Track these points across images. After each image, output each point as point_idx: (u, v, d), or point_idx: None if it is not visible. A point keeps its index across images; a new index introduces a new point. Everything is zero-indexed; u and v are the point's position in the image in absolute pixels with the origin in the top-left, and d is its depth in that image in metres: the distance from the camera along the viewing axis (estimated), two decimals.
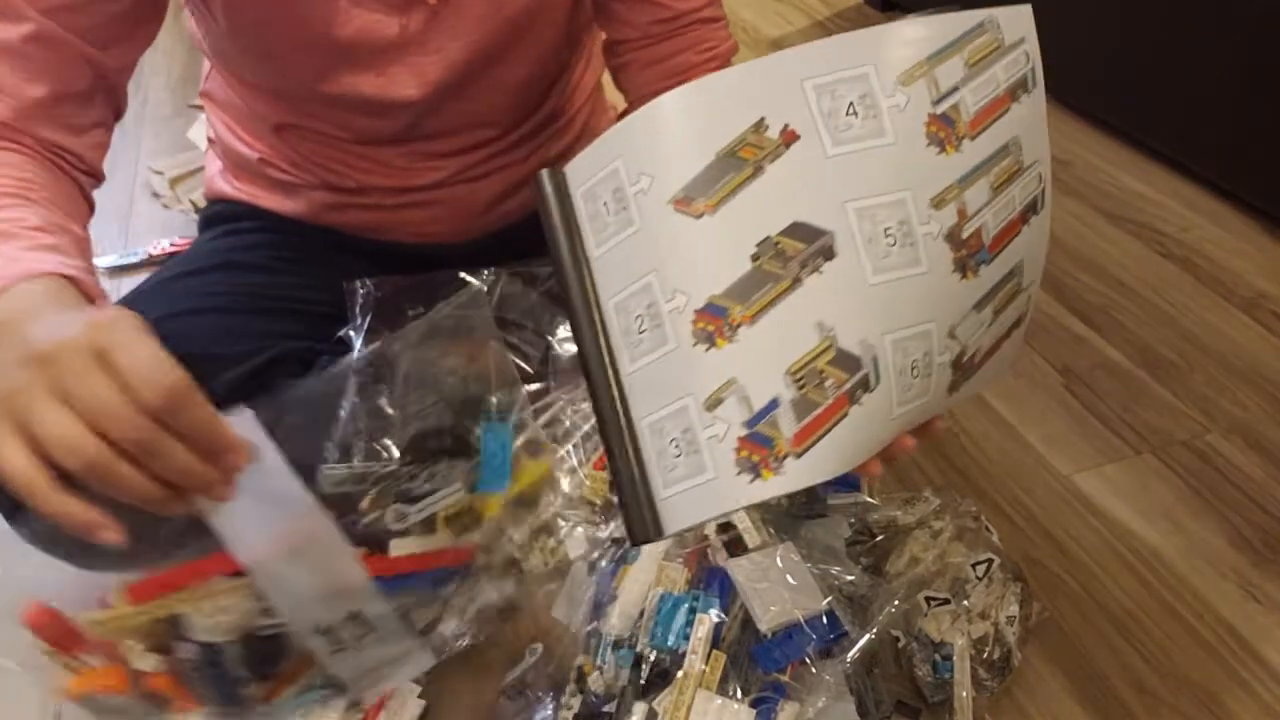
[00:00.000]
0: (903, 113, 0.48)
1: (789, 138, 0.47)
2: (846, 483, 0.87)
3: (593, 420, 0.54)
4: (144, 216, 1.48)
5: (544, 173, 0.50)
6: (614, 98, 0.96)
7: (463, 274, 0.89)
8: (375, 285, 0.82)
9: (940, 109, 0.48)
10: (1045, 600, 0.85)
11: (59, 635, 0.59)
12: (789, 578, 0.75)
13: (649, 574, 0.77)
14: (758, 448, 0.46)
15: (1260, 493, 0.97)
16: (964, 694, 0.74)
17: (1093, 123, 1.61)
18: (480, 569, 0.72)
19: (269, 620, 0.59)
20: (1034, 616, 0.82)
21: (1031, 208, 0.53)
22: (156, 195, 1.52)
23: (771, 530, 0.81)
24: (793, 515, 0.84)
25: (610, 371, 0.49)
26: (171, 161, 1.58)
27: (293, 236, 0.90)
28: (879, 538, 0.84)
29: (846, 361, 0.47)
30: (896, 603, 0.77)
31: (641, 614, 0.75)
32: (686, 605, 0.74)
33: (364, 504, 0.66)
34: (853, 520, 0.84)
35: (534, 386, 0.92)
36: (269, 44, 0.75)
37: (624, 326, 0.48)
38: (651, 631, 0.73)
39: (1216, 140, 1.42)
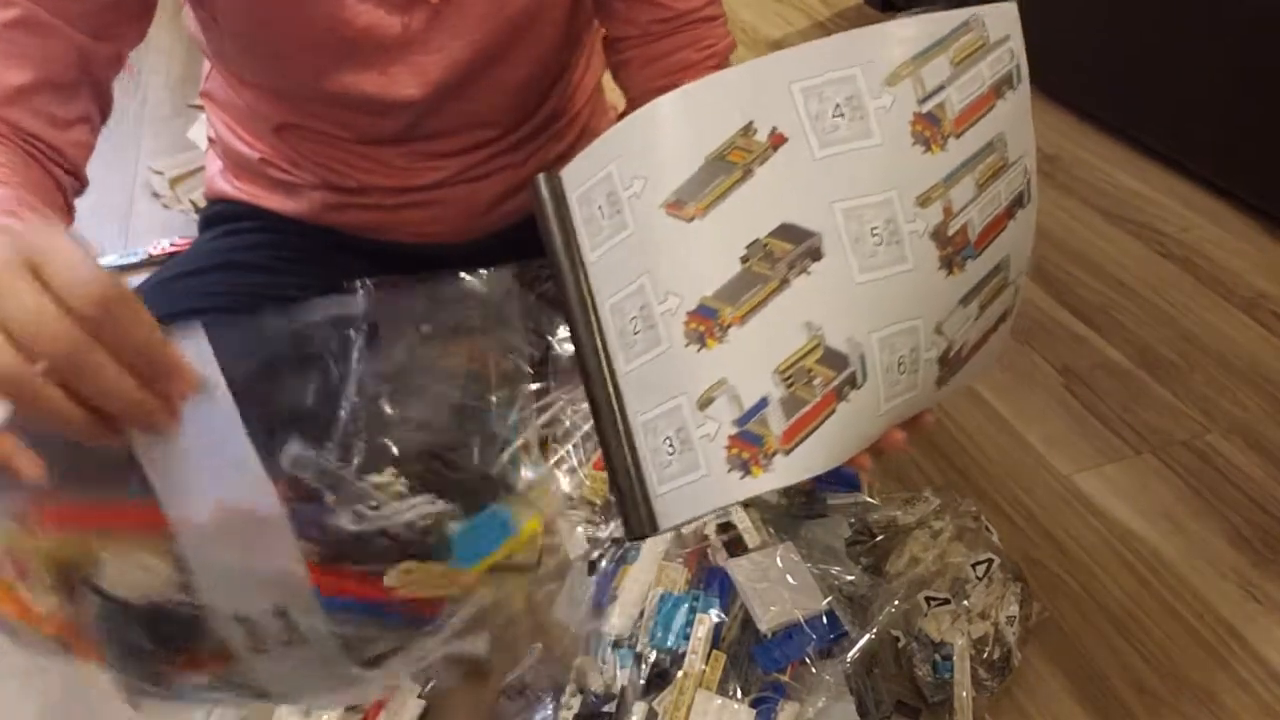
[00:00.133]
0: (889, 113, 0.48)
1: (777, 140, 0.48)
2: (846, 483, 0.87)
3: (592, 420, 0.55)
4: (144, 216, 1.48)
5: (540, 177, 0.51)
6: (614, 98, 0.96)
7: (463, 274, 0.89)
8: (375, 285, 0.82)
9: (926, 108, 0.49)
10: (1045, 600, 0.85)
11: None
12: (789, 578, 0.75)
13: (649, 574, 0.77)
14: (748, 445, 0.47)
15: (1260, 493, 0.97)
16: (964, 694, 0.74)
17: (1089, 121, 1.61)
18: (448, 624, 0.63)
19: (185, 597, 0.52)
20: (1034, 616, 0.82)
21: (1017, 202, 0.54)
22: (156, 195, 1.52)
23: (771, 530, 0.81)
24: (793, 515, 0.84)
25: (606, 372, 0.50)
26: (171, 161, 1.58)
27: (293, 236, 0.90)
28: (879, 538, 0.84)
29: (834, 359, 0.48)
30: (896, 603, 0.77)
31: (641, 614, 0.75)
32: (686, 605, 0.74)
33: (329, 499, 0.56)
34: (853, 520, 0.84)
35: (534, 386, 0.92)
36: (270, 43, 0.75)
37: (619, 328, 0.49)
38: (651, 631, 0.73)
39: (1212, 138, 1.42)
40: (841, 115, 0.48)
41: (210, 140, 0.96)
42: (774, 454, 0.47)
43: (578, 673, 0.73)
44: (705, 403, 0.47)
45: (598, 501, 0.86)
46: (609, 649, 0.73)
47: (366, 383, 0.61)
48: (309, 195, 0.89)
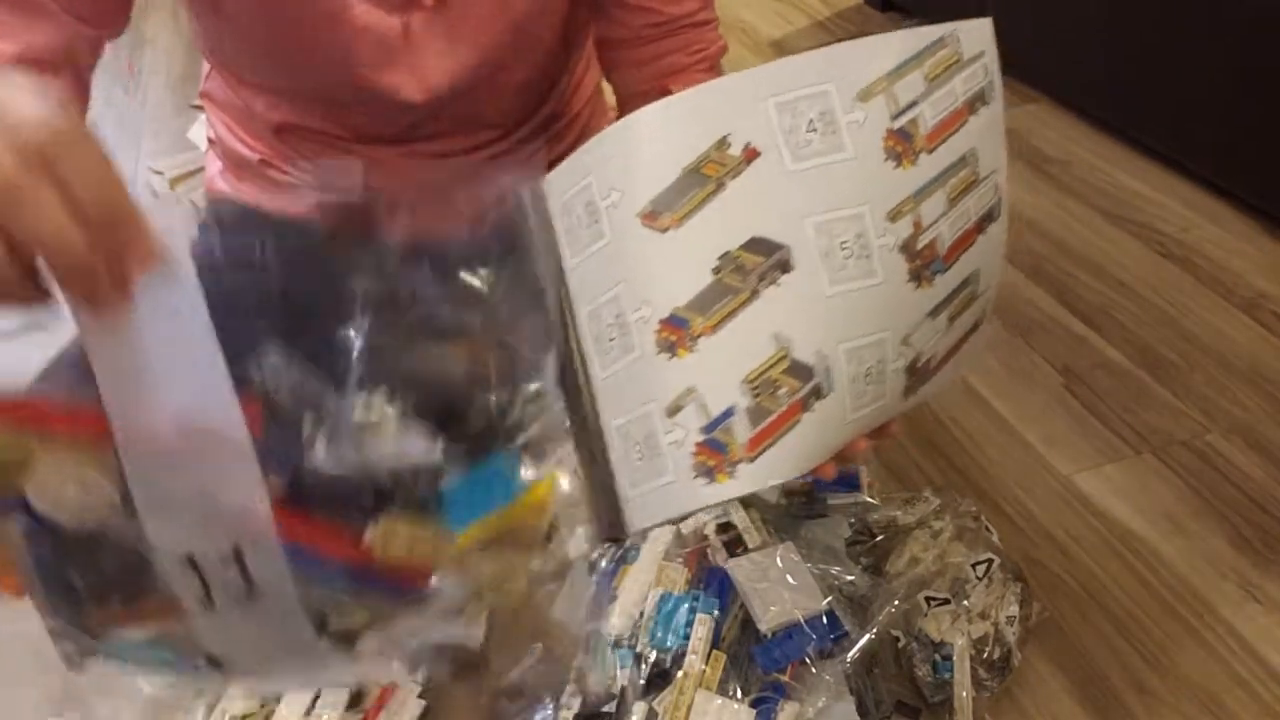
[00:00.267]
0: (861, 128, 0.50)
1: (750, 155, 0.49)
2: (846, 483, 0.87)
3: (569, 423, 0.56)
4: None
5: (523, 184, 0.52)
6: (614, 100, 0.96)
7: (462, 274, 0.89)
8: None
9: (899, 124, 0.50)
10: (1045, 600, 0.85)
11: None
12: (789, 578, 0.75)
13: (649, 574, 0.77)
14: (713, 453, 0.49)
15: (1260, 493, 0.97)
16: (964, 694, 0.74)
17: (1089, 121, 1.61)
18: (435, 601, 0.54)
19: (125, 527, 0.43)
20: (1034, 616, 0.82)
21: (987, 217, 0.55)
22: (156, 195, 1.52)
23: (771, 530, 0.81)
24: (793, 515, 0.84)
25: (584, 377, 0.51)
26: (171, 161, 1.58)
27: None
28: (879, 538, 0.84)
29: (800, 370, 0.49)
30: (896, 603, 0.77)
31: (641, 614, 0.75)
32: (686, 605, 0.74)
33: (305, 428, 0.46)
34: (853, 520, 0.84)
35: (533, 386, 0.92)
36: (269, 42, 0.75)
37: (595, 334, 0.51)
38: (651, 631, 0.73)
39: (1212, 138, 1.42)
40: (815, 130, 0.49)
41: (210, 141, 0.96)
42: (738, 462, 0.48)
43: (578, 673, 0.73)
44: (674, 410, 0.48)
45: None
46: (609, 649, 0.73)
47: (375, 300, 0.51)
48: (308, 196, 0.89)
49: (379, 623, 0.48)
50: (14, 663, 0.56)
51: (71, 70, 0.68)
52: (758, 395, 0.48)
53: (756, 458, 0.48)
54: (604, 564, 0.80)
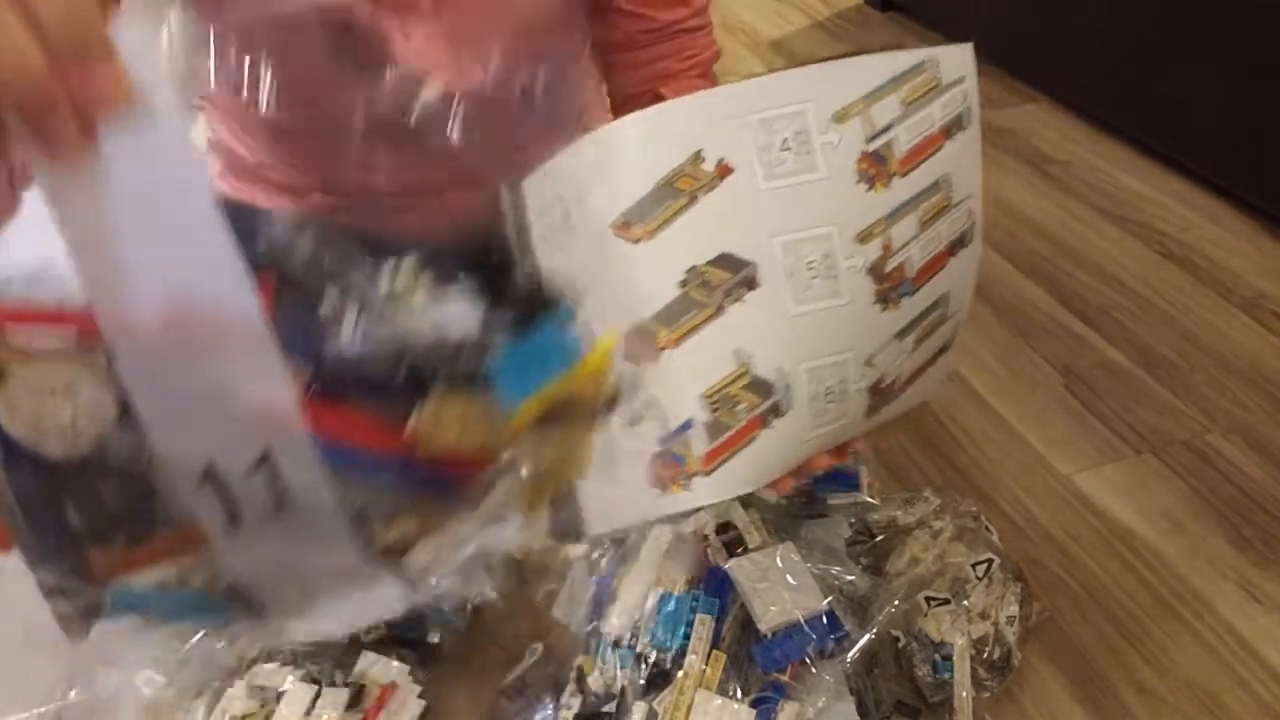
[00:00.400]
0: (835, 149, 0.50)
1: (723, 171, 0.49)
2: (846, 483, 0.87)
3: None
4: None
5: (504, 189, 0.52)
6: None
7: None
8: None
9: (873, 146, 0.51)
10: (1045, 600, 0.85)
11: None
12: (789, 578, 0.75)
13: (649, 574, 0.77)
14: (670, 464, 0.49)
15: (1260, 493, 0.97)
16: (964, 694, 0.74)
17: (1090, 121, 1.61)
18: (489, 495, 0.45)
19: (126, 445, 0.35)
20: (1034, 616, 0.82)
21: (960, 241, 0.56)
22: None
23: (771, 530, 0.81)
24: (793, 515, 0.84)
25: None
26: None
27: None
28: (879, 538, 0.84)
29: (760, 387, 0.49)
30: (896, 603, 0.77)
31: (641, 614, 0.75)
32: (687, 605, 0.74)
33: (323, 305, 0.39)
34: (853, 520, 0.84)
35: None
36: (269, 40, 0.75)
37: None
38: (651, 631, 0.73)
39: (1212, 138, 1.42)
40: (789, 149, 0.49)
41: (209, 142, 0.96)
42: (694, 475, 0.49)
43: (578, 673, 0.73)
44: (634, 420, 0.49)
45: None
46: (609, 649, 0.73)
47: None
48: (308, 197, 0.89)
49: (430, 529, 0.42)
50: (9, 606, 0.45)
51: None
52: (716, 410, 0.49)
53: (712, 471, 0.49)
54: (604, 564, 0.80)
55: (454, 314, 0.38)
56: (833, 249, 0.50)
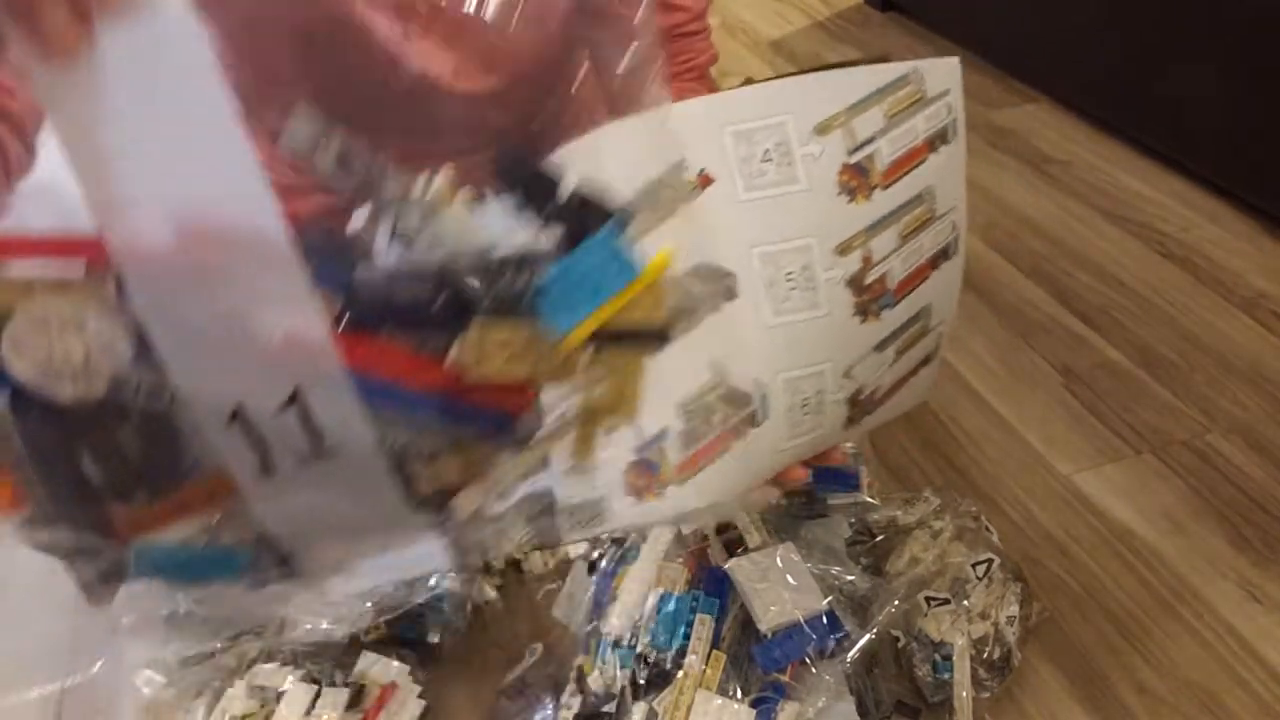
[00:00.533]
0: (817, 161, 0.50)
1: (704, 181, 0.50)
2: (846, 483, 0.87)
3: None
4: None
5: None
6: None
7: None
8: None
9: (855, 158, 0.51)
10: (1045, 600, 0.85)
11: None
12: (789, 578, 0.75)
13: (649, 574, 0.77)
14: (644, 473, 0.49)
15: (1260, 493, 0.97)
16: (964, 694, 0.74)
17: (1090, 121, 1.61)
18: (538, 431, 0.40)
19: (145, 385, 0.31)
20: (1034, 616, 0.82)
21: (943, 254, 0.56)
22: None
23: (771, 530, 0.81)
24: (793, 515, 0.84)
25: None
26: None
27: None
28: (879, 538, 0.84)
29: (736, 397, 0.50)
30: (896, 603, 0.77)
31: (641, 614, 0.75)
32: (687, 605, 0.74)
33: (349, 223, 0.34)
34: (853, 520, 0.84)
35: None
36: (270, 39, 0.75)
37: None
38: (651, 631, 0.73)
39: (1212, 138, 1.42)
40: (770, 160, 0.49)
41: None
42: (668, 483, 0.49)
43: (578, 673, 0.73)
44: (610, 429, 0.49)
45: None
46: (609, 649, 0.73)
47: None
48: (309, 198, 0.89)
49: (472, 475, 0.38)
50: (9, 606, 0.42)
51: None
52: (692, 419, 0.49)
53: (686, 480, 0.49)
54: (604, 564, 0.81)
55: (496, 229, 0.34)
56: (812, 261, 0.50)
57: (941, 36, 1.91)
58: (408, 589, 0.75)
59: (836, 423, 0.53)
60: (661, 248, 0.39)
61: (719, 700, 0.70)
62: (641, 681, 0.72)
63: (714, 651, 0.72)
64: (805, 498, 0.85)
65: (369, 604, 0.74)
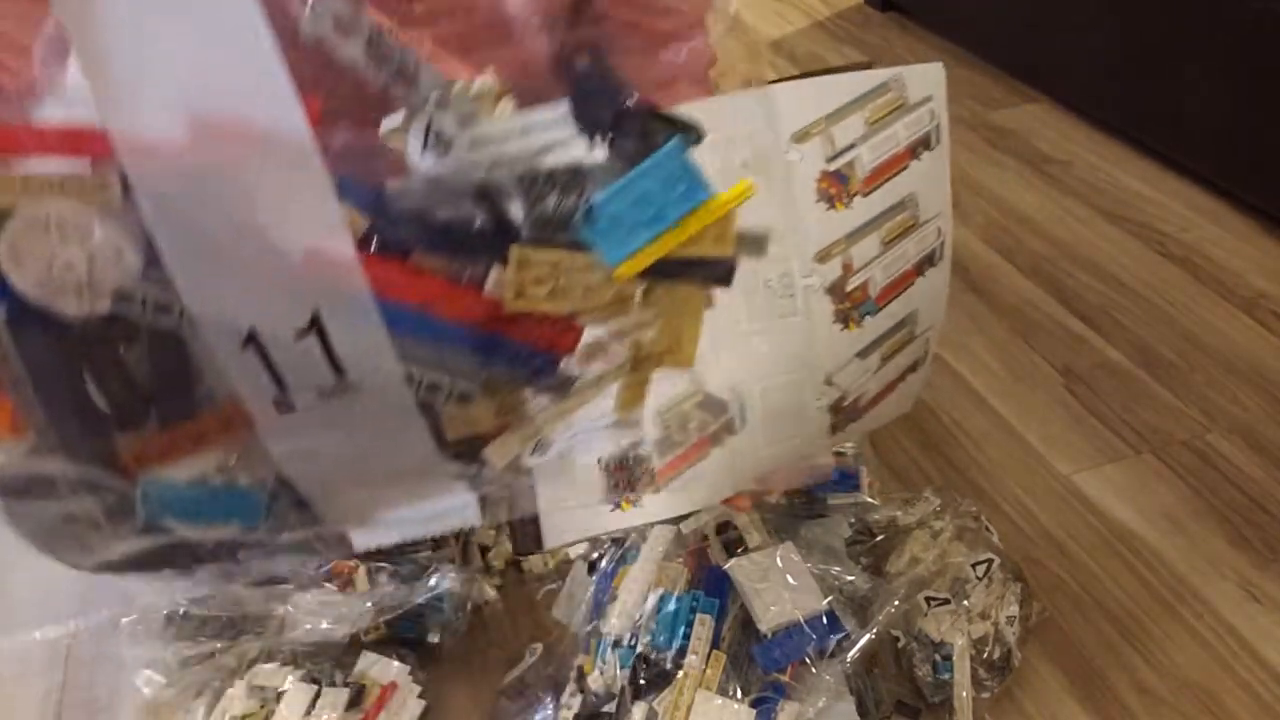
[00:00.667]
0: (795, 169, 0.50)
1: None
2: (846, 483, 0.87)
3: None
4: None
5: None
6: None
7: None
8: None
9: (834, 166, 0.51)
10: (1045, 600, 0.85)
11: None
12: (789, 578, 0.75)
13: (649, 574, 0.77)
14: (623, 481, 0.49)
15: (1260, 493, 0.97)
16: (964, 694, 0.74)
17: (1090, 121, 1.61)
18: (581, 379, 0.35)
19: (154, 300, 0.27)
20: (1034, 616, 0.82)
21: (928, 260, 0.56)
22: None
23: (771, 530, 0.81)
24: (793, 515, 0.84)
25: None
26: None
27: None
28: (879, 538, 0.84)
29: (713, 405, 0.50)
30: (896, 603, 0.77)
31: (641, 614, 0.75)
32: (686, 605, 0.74)
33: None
34: (853, 520, 0.84)
35: None
36: None
37: None
38: (651, 631, 0.73)
39: (1212, 138, 1.42)
40: (746, 169, 0.49)
41: None
42: (644, 492, 0.49)
43: (578, 673, 0.73)
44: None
45: None
46: (609, 649, 0.73)
47: None
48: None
49: (506, 421, 0.33)
50: (13, 543, 0.38)
51: None
52: (669, 428, 0.49)
53: (663, 488, 0.49)
54: (604, 564, 0.80)
55: (545, 138, 0.29)
56: (790, 268, 0.50)
57: (942, 37, 1.91)
58: (408, 589, 0.75)
59: (819, 430, 0.54)
60: (738, 180, 0.34)
61: (719, 700, 0.70)
62: (641, 681, 0.72)
63: (714, 651, 0.72)
64: (805, 498, 0.85)
65: (369, 604, 0.74)
